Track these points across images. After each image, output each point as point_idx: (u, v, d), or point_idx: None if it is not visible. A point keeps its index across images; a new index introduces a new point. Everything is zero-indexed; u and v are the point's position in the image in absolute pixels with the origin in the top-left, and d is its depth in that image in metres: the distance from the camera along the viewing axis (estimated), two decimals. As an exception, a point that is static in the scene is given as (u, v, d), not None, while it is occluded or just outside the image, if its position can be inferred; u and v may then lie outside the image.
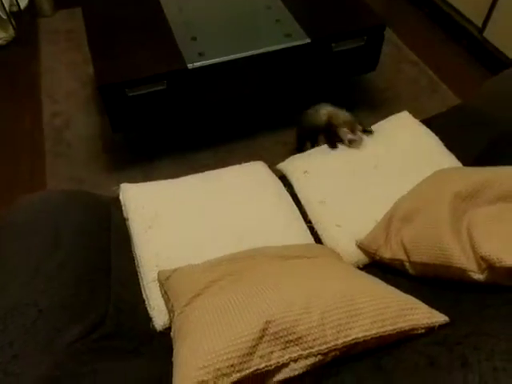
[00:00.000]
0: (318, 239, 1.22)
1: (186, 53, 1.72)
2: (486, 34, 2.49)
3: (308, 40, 1.77)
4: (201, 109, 1.87)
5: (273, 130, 2.11)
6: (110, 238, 1.09)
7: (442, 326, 0.72)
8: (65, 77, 2.48)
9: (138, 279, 1.09)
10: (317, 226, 1.23)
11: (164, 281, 1.05)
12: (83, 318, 0.86)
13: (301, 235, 1.20)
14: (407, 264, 1.06)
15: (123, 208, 1.22)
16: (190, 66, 1.67)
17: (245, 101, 2.08)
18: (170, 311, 0.96)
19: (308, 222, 1.25)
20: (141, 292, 1.06)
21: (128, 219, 1.19)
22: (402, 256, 1.07)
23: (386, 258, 1.11)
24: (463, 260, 0.92)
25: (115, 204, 1.22)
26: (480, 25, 2.51)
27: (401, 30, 2.71)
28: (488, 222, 0.99)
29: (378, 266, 1.14)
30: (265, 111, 2.22)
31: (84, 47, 2.55)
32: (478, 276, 0.89)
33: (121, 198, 1.25)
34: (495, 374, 0.48)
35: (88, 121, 2.23)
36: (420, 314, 0.74)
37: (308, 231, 1.23)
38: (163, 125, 2.08)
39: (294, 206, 1.28)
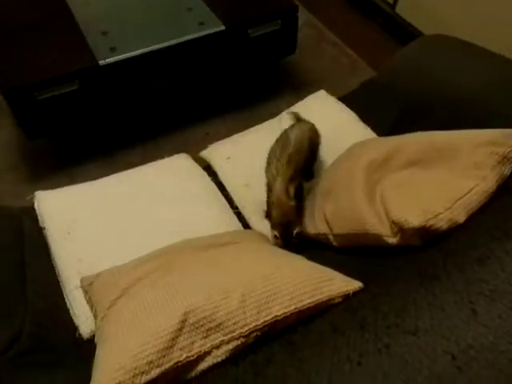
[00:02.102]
0: (246, 224, 1.22)
1: (96, 49, 1.65)
2: (397, 9, 2.60)
3: (222, 27, 1.75)
4: (119, 106, 1.81)
5: (199, 121, 2.08)
6: (23, 250, 1.03)
7: (355, 293, 0.75)
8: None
9: (59, 289, 1.04)
10: (244, 211, 1.24)
11: (87, 287, 1.01)
12: (-2, 337, 0.81)
13: (229, 223, 1.20)
14: (331, 237, 1.09)
15: (39, 217, 1.15)
16: (101, 62, 1.60)
17: (165, 94, 2.03)
18: (95, 317, 0.92)
19: (235, 208, 1.25)
20: (63, 302, 1.02)
21: (44, 228, 1.12)
22: (325, 230, 1.10)
23: (312, 234, 1.14)
24: (378, 226, 0.96)
25: (29, 214, 1.15)
26: (391, 1, 2.62)
27: (320, 13, 2.76)
28: (399, 187, 1.04)
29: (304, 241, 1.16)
30: (189, 103, 2.18)
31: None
32: (392, 240, 0.93)
33: (36, 206, 1.18)
34: (388, 330, 0.51)
35: (1, 130, 2.08)
36: (336, 284, 0.77)
37: (236, 218, 1.22)
38: (82, 127, 1.98)
39: (220, 194, 1.27)
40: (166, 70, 1.77)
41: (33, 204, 1.20)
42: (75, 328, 0.97)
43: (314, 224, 1.14)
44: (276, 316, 0.73)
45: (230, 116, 2.10)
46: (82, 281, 1.03)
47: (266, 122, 1.47)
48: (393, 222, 0.92)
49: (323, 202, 1.16)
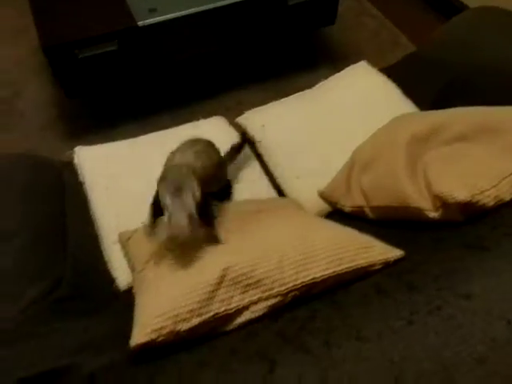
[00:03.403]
0: (280, 192, 1.22)
1: (135, 10, 1.64)
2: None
3: (263, -8, 1.71)
4: (156, 69, 1.80)
5: (233, 89, 2.06)
6: (63, 202, 1.05)
7: (397, 261, 0.74)
8: (10, 44, 2.33)
9: (97, 242, 1.07)
10: (278, 180, 1.23)
11: (125, 242, 1.03)
12: (38, 283, 0.84)
13: (264, 190, 1.20)
14: (367, 209, 1.08)
15: (79, 172, 1.17)
16: (140, 23, 1.59)
17: (201, 59, 2.01)
18: (132, 270, 0.95)
19: (270, 175, 1.25)
20: (101, 254, 1.04)
21: (84, 183, 1.15)
22: (361, 202, 1.09)
23: (347, 206, 1.13)
24: (419, 200, 0.94)
25: (69, 168, 1.17)
26: (437, -26, 2.50)
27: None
28: (443, 162, 1.01)
29: (339, 214, 1.15)
30: (223, 70, 2.16)
31: (28, 13, 2.39)
32: (433, 214, 0.91)
33: (76, 161, 1.20)
34: (439, 293, 0.50)
35: (41, 89, 2.12)
36: (376, 251, 0.76)
37: (270, 185, 1.22)
38: (120, 88, 1.99)
39: (256, 161, 1.27)
40: (203, 34, 1.75)
41: (72, 160, 1.22)
42: (113, 280, 1.00)
43: (351, 196, 1.12)
44: (314, 278, 0.73)
45: (264, 86, 2.07)
46: (120, 236, 1.05)
47: (302, 92, 1.44)
48: (436, 196, 0.90)
49: (361, 174, 1.14)
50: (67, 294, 0.86)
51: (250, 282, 0.72)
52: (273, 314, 0.70)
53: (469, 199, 0.85)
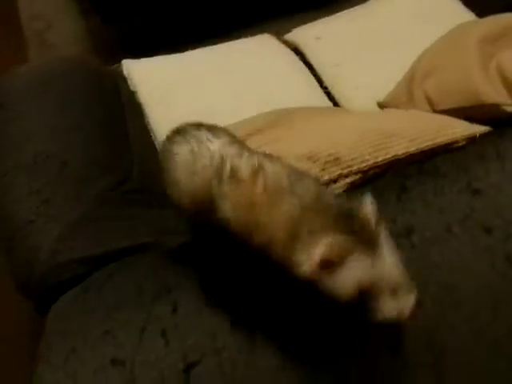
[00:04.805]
0: (335, 104, 1.18)
1: None
2: None
3: None
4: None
5: (281, 17, 1.96)
6: (122, 107, 1.04)
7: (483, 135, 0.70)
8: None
9: (155, 151, 1.05)
10: (333, 91, 1.19)
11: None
12: (110, 173, 0.84)
13: (319, 100, 1.16)
14: (432, 115, 1.03)
15: (129, 82, 1.15)
16: None
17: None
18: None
19: (324, 87, 1.20)
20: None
21: (136, 92, 1.12)
22: (426, 108, 1.04)
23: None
24: (495, 96, 0.89)
25: (120, 76, 1.15)
26: None
27: None
28: (518, 59, 0.95)
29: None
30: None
31: None
32: (512, 108, 0.87)
33: (125, 72, 1.18)
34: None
35: (72, 21, 2.07)
36: (460, 128, 0.72)
37: (326, 97, 1.18)
38: (158, 14, 1.92)
39: (309, 73, 1.22)
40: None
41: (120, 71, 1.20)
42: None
43: (414, 104, 1.07)
44: (396, 155, 0.70)
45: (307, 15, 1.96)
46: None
47: (357, 6, 1.37)
48: (515, 88, 0.85)
49: (424, 80, 1.08)
50: (137, 187, 0.86)
51: (329, 159, 0.70)
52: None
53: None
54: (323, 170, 0.70)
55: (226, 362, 0.38)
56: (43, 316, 0.62)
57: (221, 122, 1.02)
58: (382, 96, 1.14)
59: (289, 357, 0.39)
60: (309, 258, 0.36)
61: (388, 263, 0.37)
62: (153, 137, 1.07)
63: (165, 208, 0.88)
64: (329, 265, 0.36)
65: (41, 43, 1.99)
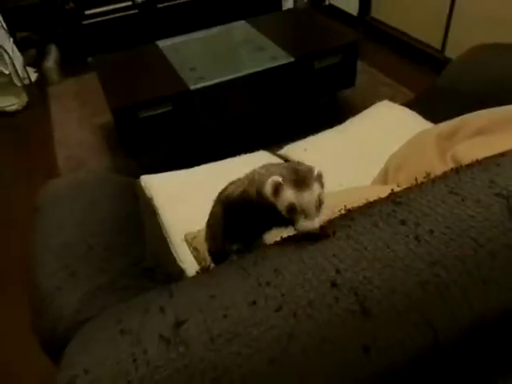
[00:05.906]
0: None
1: (187, 79, 1.97)
2: (446, 53, 2.81)
3: (292, 59, 2.04)
4: (205, 126, 2.08)
5: (268, 145, 2.29)
6: (139, 209, 1.21)
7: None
8: (75, 128, 2.72)
9: (167, 243, 1.20)
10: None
11: (191, 240, 1.16)
12: (128, 255, 0.96)
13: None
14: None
15: (146, 191, 1.35)
16: (192, 87, 1.91)
17: (241, 118, 2.29)
18: (199, 263, 1.06)
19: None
20: (171, 252, 1.17)
21: (152, 198, 1.32)
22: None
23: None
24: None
25: (139, 187, 1.35)
26: (440, 47, 2.86)
27: (374, 63, 3.03)
28: (470, 150, 1.15)
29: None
30: (259, 129, 2.42)
31: (91, 104, 2.83)
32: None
33: (142, 183, 1.39)
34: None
35: (100, 160, 2.41)
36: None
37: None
38: (172, 145, 2.25)
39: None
40: (244, 95, 2.05)
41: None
42: (182, 271, 1.11)
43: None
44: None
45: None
46: (186, 235, 1.18)
47: (336, 127, 1.65)
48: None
49: (395, 175, 1.27)
50: (150, 267, 0.97)
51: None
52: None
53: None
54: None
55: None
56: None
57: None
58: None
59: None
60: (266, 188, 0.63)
61: (307, 200, 0.60)
62: (163, 230, 1.23)
63: (169, 283, 1.00)
64: (275, 192, 0.61)
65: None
